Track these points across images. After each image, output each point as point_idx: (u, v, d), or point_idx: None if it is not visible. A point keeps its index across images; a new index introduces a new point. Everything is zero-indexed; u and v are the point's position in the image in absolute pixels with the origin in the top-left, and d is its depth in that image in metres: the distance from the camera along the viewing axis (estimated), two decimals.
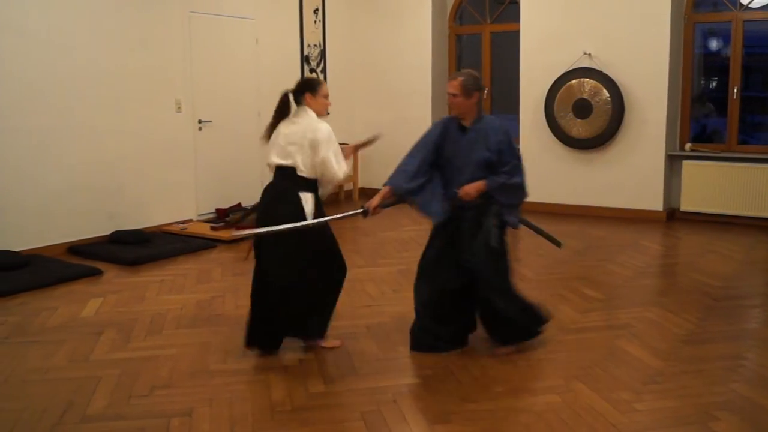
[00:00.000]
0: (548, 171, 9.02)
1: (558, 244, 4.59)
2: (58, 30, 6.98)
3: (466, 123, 4.30)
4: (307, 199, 4.28)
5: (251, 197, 8.88)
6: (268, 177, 8.03)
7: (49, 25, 6.91)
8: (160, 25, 7.88)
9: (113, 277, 6.25)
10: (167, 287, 5.90)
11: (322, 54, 10.10)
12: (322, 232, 4.35)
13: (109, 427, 3.43)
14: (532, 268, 6.36)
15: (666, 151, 8.33)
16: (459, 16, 10.28)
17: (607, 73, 8.42)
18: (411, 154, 4.42)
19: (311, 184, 4.33)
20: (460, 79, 4.21)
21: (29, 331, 4.89)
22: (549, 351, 4.33)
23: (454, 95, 4.21)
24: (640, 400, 3.65)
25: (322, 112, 4.43)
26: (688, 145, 8.45)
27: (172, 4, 8.00)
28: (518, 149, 4.41)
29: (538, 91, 8.95)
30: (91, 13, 7.25)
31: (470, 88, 4.18)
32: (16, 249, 6.61)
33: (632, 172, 8.49)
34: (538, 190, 9.07)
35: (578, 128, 8.67)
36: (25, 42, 6.75)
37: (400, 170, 4.36)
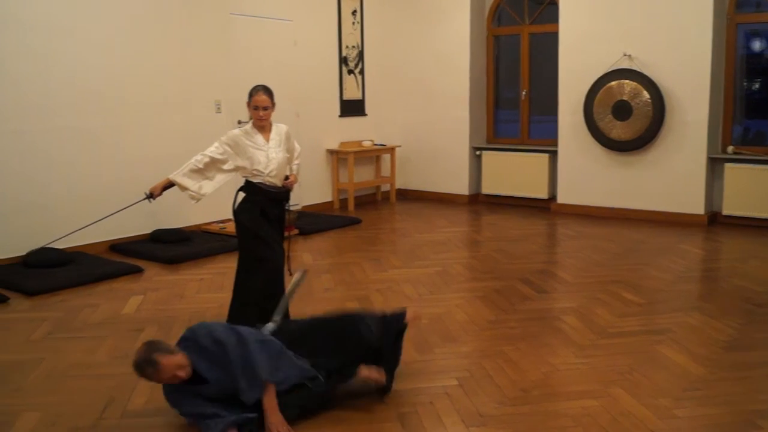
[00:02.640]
0: (587, 173, 8.95)
1: None
2: (104, 32, 7.12)
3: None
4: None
5: (290, 197, 8.95)
6: (306, 176, 8.30)
7: (94, 27, 7.05)
8: (201, 26, 7.99)
9: (153, 274, 6.35)
10: (206, 285, 5.97)
11: (360, 55, 10.14)
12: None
13: (149, 423, 3.49)
14: (569, 270, 6.32)
15: (707, 153, 8.21)
16: (497, 17, 10.24)
17: (647, 74, 8.33)
18: None
19: (243, 185, 4.73)
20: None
21: (71, 327, 4.99)
22: (587, 355, 4.30)
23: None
24: (680, 406, 3.61)
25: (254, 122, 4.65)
26: (730, 148, 8.31)
27: (213, 6, 8.10)
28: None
29: (577, 92, 8.88)
30: (135, 15, 7.38)
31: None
32: (60, 246, 6.74)
33: (673, 175, 8.38)
34: (576, 192, 9.07)
35: (618, 130, 8.59)
36: (72, 44, 6.88)
37: None
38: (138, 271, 6.41)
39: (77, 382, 3.95)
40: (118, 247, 7.17)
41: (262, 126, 4.63)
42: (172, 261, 6.70)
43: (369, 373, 3.70)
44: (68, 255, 6.55)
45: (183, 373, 3.34)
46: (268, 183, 4.63)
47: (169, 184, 4.73)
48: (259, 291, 4.60)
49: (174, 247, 7.09)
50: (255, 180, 4.63)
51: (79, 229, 5.76)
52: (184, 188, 4.71)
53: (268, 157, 4.61)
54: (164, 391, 3.51)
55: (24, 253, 6.54)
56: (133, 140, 7.44)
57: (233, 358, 3.38)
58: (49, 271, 6.19)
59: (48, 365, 4.25)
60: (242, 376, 3.36)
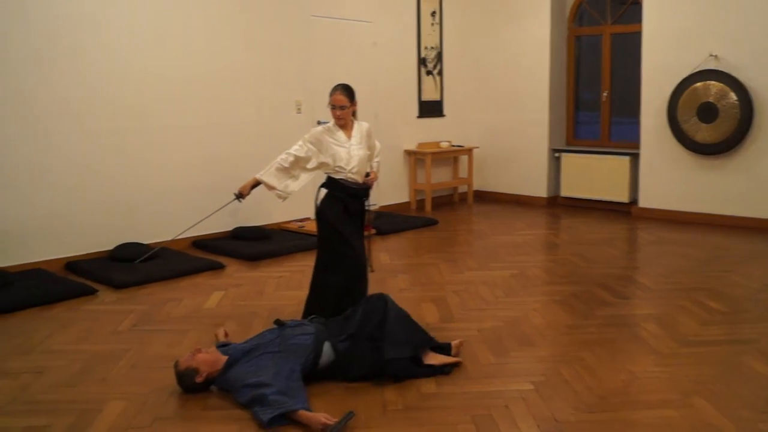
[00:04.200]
0: (670, 177, 8.74)
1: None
2: (184, 33, 7.33)
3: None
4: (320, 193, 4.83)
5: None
6: (384, 176, 8.26)
7: (181, 30, 7.27)
8: (281, 28, 8.14)
9: (234, 271, 6.50)
10: (285, 283, 6.08)
11: (439, 56, 10.14)
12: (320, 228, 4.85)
13: (229, 415, 3.57)
14: (650, 276, 6.19)
15: None
16: (578, 16, 10.09)
17: (734, 75, 8.07)
18: None
19: (325, 181, 4.82)
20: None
21: (156, 319, 5.15)
22: (667, 364, 4.21)
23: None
24: (764, 419, 3.49)
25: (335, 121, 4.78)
26: None
27: (294, 8, 8.24)
28: None
29: (661, 94, 8.67)
30: (219, 18, 7.57)
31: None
32: (146, 242, 6.98)
33: (760, 180, 8.09)
34: (658, 196, 8.86)
35: (703, 133, 8.36)
36: (160, 46, 7.10)
37: None
38: (220, 267, 6.57)
39: (161, 373, 4.06)
40: (200, 243, 7.37)
41: (343, 124, 4.73)
42: (253, 258, 6.85)
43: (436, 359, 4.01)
44: (153, 250, 6.77)
45: (219, 364, 3.82)
46: (349, 179, 4.73)
47: (257, 183, 4.85)
48: (337, 288, 4.70)
49: (254, 244, 7.24)
50: (337, 176, 4.73)
51: (193, 226, 5.80)
52: (270, 187, 4.82)
53: (349, 154, 4.70)
54: (218, 385, 3.81)
55: (111, 248, 6.79)
56: (216, 139, 7.64)
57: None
58: (136, 266, 6.40)
59: (133, 356, 4.40)
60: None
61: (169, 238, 6.58)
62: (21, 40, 6.23)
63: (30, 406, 3.70)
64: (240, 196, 4.89)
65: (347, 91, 4.69)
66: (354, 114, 4.81)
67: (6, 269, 6.09)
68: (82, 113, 6.63)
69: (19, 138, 6.25)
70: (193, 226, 5.50)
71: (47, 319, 5.18)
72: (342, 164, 4.69)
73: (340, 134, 4.74)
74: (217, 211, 5.24)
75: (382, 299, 4.21)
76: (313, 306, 4.78)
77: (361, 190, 4.82)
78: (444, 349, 4.29)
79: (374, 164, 4.99)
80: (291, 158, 4.77)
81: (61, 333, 4.85)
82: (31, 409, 3.65)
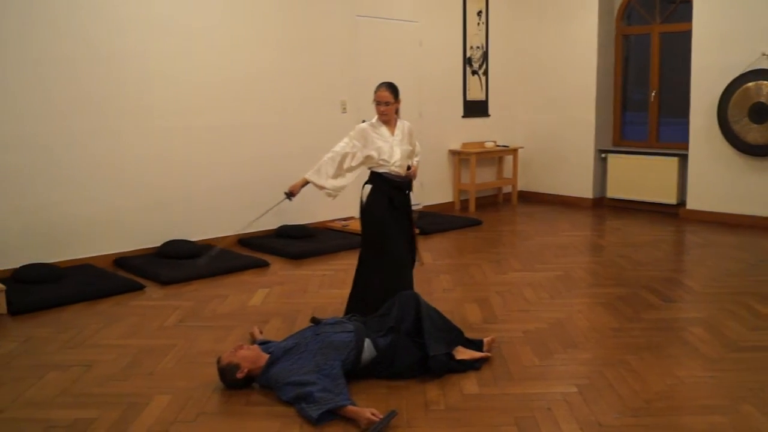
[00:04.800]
0: (720, 178, 8.58)
1: None
2: (231, 33, 7.41)
3: None
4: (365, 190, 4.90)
5: (412, 197, 9.03)
6: (428, 176, 8.20)
7: (226, 31, 7.35)
8: (327, 28, 8.18)
9: (279, 269, 6.56)
10: (328, 281, 6.11)
11: (485, 56, 10.10)
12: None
13: (272, 411, 3.60)
14: (698, 280, 6.08)
15: None
16: (627, 15, 9.96)
17: None
18: None
19: (369, 177, 4.91)
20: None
21: (201, 316, 5.22)
22: (716, 369, 4.13)
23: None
24: None
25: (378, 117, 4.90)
26: None
27: (340, 8, 8.27)
28: None
29: (711, 94, 8.51)
30: (264, 18, 7.64)
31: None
32: (192, 239, 7.08)
33: None
34: (707, 198, 8.70)
35: (754, 134, 8.19)
36: (198, 45, 7.19)
37: None
38: (264, 265, 6.64)
39: (206, 369, 4.11)
40: (246, 241, 7.45)
41: (386, 120, 4.86)
42: (297, 256, 6.90)
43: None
44: (199, 247, 6.86)
45: (261, 361, 3.87)
46: (393, 172, 4.83)
47: (306, 183, 4.93)
48: (379, 286, 4.72)
49: (299, 242, 7.30)
50: (381, 170, 4.83)
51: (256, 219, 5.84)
52: (320, 187, 4.88)
53: (392, 149, 4.81)
54: (259, 383, 3.85)
55: (159, 244, 6.90)
56: (263, 139, 7.72)
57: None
58: (182, 263, 6.50)
59: (179, 351, 4.47)
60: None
61: (220, 235, 6.66)
62: (85, 40, 6.37)
63: (79, 398, 3.77)
64: (290, 195, 4.95)
65: (392, 88, 4.82)
66: (397, 112, 4.89)
67: (56, 264, 6.23)
68: (134, 112, 6.75)
69: (71, 137, 6.39)
70: (254, 221, 5.53)
71: (96, 313, 5.29)
72: (386, 157, 4.80)
73: (384, 130, 4.85)
74: (269, 210, 5.27)
75: (413, 296, 4.26)
76: (356, 303, 4.83)
77: (405, 183, 4.92)
78: (476, 344, 4.31)
79: (414, 161, 5.06)
80: (338, 156, 4.82)
81: (109, 328, 4.95)
82: (80, 402, 3.73)
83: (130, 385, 3.95)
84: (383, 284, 4.71)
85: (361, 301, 4.80)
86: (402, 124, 4.94)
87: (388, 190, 4.83)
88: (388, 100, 4.78)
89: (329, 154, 4.85)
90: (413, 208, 5.05)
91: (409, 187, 4.97)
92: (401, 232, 4.90)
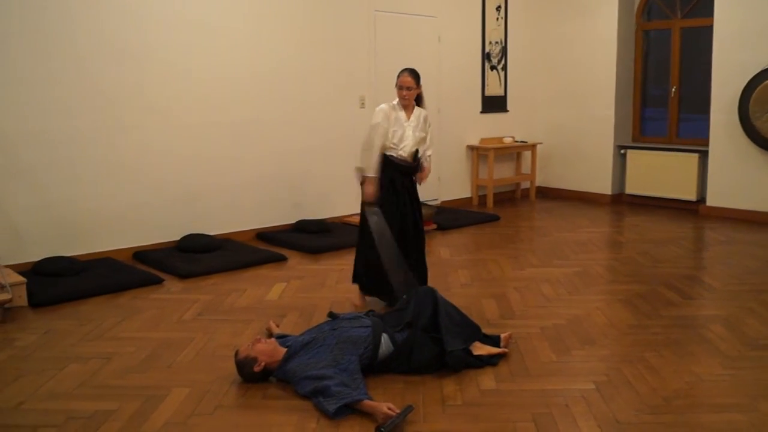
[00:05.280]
0: (740, 175, 8.50)
1: None
2: (250, 29, 7.43)
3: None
4: None
5: (430, 192, 9.03)
6: (446, 172, 8.19)
7: (246, 27, 7.37)
8: (346, 23, 8.18)
9: (296, 263, 6.58)
10: (346, 276, 6.09)
11: (503, 51, 10.06)
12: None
13: (289, 405, 3.62)
14: (718, 277, 6.04)
15: None
16: (647, 11, 9.88)
17: None
18: None
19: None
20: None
21: (220, 309, 5.25)
22: (735, 367, 4.10)
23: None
24: None
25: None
26: None
27: (358, 3, 8.27)
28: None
29: (732, 90, 8.44)
30: (283, 14, 7.65)
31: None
32: (211, 233, 7.12)
33: None
34: (727, 195, 8.63)
35: None
36: (217, 41, 7.22)
37: None
38: (282, 259, 6.66)
39: (224, 362, 4.13)
40: (264, 235, 7.48)
41: (406, 104, 5.09)
42: (315, 251, 6.92)
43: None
44: (218, 241, 6.89)
45: (278, 354, 3.89)
46: (400, 156, 5.05)
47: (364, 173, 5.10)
48: (364, 257, 5.24)
49: (316, 237, 7.32)
50: (389, 152, 5.04)
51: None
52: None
53: (405, 133, 5.03)
54: (277, 376, 3.88)
55: (178, 238, 6.95)
56: (280, 134, 7.74)
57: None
58: (201, 256, 6.54)
59: (198, 345, 4.50)
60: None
61: (239, 230, 6.68)
62: (106, 36, 6.42)
63: (98, 390, 3.81)
64: (369, 204, 5.06)
65: (414, 74, 5.05)
66: (419, 97, 5.15)
67: (77, 258, 6.29)
68: (155, 109, 6.80)
69: (92, 131, 6.44)
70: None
71: (116, 306, 5.33)
72: (396, 141, 5.03)
73: (402, 114, 5.07)
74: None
75: (430, 291, 4.26)
76: (356, 269, 5.36)
77: (408, 168, 5.13)
78: (493, 340, 4.31)
79: (426, 157, 5.18)
80: (382, 140, 5.01)
81: (128, 320, 4.99)
82: (100, 394, 3.76)
83: (149, 377, 3.98)
84: (367, 257, 5.16)
85: (359, 268, 5.33)
86: (419, 112, 5.13)
87: (391, 172, 5.06)
88: (410, 85, 5.00)
89: (376, 142, 4.99)
90: (431, 203, 5.10)
91: (414, 172, 5.17)
92: (399, 215, 5.08)
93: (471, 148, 9.79)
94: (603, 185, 9.98)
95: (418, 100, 5.19)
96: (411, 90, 5.02)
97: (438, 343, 4.01)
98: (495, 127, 10.07)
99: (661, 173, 9.40)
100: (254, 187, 7.53)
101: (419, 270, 5.19)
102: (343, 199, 8.07)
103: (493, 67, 9.97)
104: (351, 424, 3.40)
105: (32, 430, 3.36)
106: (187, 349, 4.42)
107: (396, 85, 5.07)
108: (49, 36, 6.12)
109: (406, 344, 3.99)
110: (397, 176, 5.08)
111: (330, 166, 8.04)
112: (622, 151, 9.84)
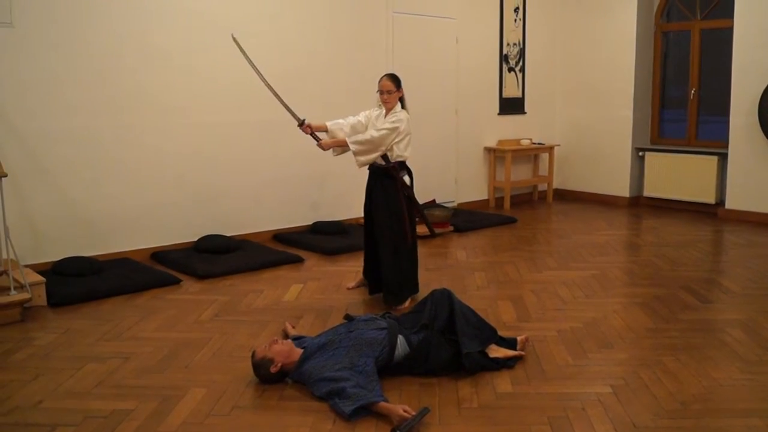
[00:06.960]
0: (760, 178, 8.43)
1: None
2: (270, 30, 7.45)
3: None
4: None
5: (446, 194, 9.03)
6: (463, 174, 8.10)
7: (261, 25, 7.39)
8: (365, 25, 8.19)
9: (313, 264, 6.59)
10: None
11: (521, 53, 10.04)
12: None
13: (305, 406, 3.63)
14: (737, 281, 5.99)
15: None
16: (666, 12, 9.83)
17: None
18: None
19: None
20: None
21: (237, 310, 5.27)
22: (754, 372, 4.07)
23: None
24: None
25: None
26: None
27: (377, 4, 8.28)
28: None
29: (752, 92, 8.37)
30: (301, 14, 7.67)
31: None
32: (229, 234, 7.15)
33: None
34: (747, 198, 8.56)
35: None
36: (240, 42, 7.23)
37: None
38: (299, 260, 6.68)
39: (241, 363, 4.15)
40: (281, 236, 7.50)
41: (388, 108, 5.31)
42: (331, 252, 6.93)
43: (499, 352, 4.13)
44: (236, 242, 6.92)
45: (294, 356, 3.91)
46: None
47: (325, 129, 5.55)
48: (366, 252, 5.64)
49: (333, 238, 7.33)
50: None
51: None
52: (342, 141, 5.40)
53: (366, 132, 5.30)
54: (293, 378, 3.88)
55: (196, 239, 6.98)
56: (300, 135, 7.72)
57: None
58: (219, 257, 6.57)
59: (215, 345, 4.52)
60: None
61: (257, 231, 6.70)
62: (129, 36, 6.47)
63: (116, 390, 3.84)
64: (302, 124, 5.55)
65: (393, 78, 5.30)
66: (401, 100, 5.32)
67: (95, 258, 6.33)
68: (174, 109, 6.83)
69: (112, 132, 6.48)
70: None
71: (134, 306, 5.37)
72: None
73: (381, 116, 5.33)
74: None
75: (446, 294, 4.26)
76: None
77: (378, 169, 5.35)
78: (509, 343, 4.29)
79: (350, 141, 5.31)
80: (354, 121, 5.43)
81: (146, 320, 5.02)
82: (118, 393, 3.79)
83: (167, 377, 4.01)
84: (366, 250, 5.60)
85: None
86: (394, 113, 5.27)
87: (370, 174, 5.47)
88: (389, 89, 5.25)
89: (386, 136, 5.23)
90: (447, 204, 5.13)
91: (388, 175, 5.29)
92: (380, 214, 5.32)
93: (488, 150, 9.77)
94: (621, 187, 9.93)
95: (402, 103, 5.37)
96: (391, 93, 5.24)
97: (454, 345, 4.01)
98: (512, 129, 10.05)
99: (680, 176, 9.34)
100: (272, 188, 7.56)
101: (387, 275, 5.31)
102: (359, 201, 8.04)
103: (510, 69, 9.95)
104: (367, 425, 3.41)
105: (51, 429, 3.39)
106: (204, 349, 4.44)
107: (377, 90, 5.30)
108: (72, 37, 6.17)
109: (422, 346, 3.99)
110: (371, 178, 5.46)
111: (348, 166, 8.01)
112: (641, 153, 9.78)
